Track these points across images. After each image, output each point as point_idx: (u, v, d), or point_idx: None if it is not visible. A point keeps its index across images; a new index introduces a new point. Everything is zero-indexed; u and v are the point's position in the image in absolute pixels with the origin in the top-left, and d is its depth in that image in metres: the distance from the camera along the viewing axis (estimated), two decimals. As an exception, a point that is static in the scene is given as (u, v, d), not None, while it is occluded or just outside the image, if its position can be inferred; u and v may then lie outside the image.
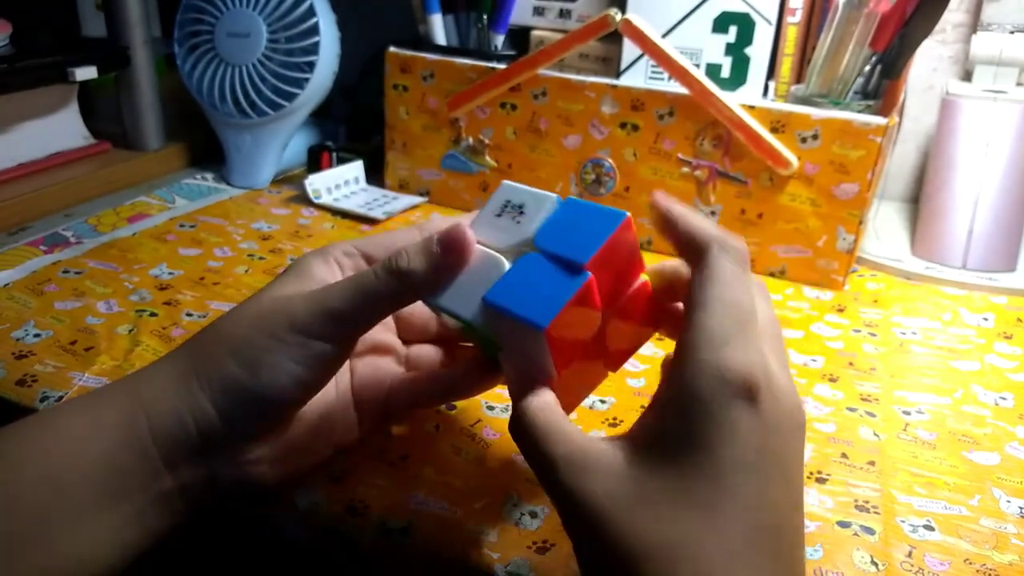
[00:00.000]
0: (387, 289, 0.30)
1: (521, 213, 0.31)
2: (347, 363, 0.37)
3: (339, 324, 0.30)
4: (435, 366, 0.38)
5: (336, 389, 0.36)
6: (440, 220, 0.35)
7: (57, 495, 0.28)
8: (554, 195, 0.31)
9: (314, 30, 0.69)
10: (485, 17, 0.70)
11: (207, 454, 0.31)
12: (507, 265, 0.30)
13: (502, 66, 0.63)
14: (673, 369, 0.26)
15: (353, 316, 0.30)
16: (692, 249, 0.28)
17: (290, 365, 0.30)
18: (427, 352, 0.39)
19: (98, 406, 0.31)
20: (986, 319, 0.56)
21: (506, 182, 0.33)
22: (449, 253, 0.30)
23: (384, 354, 0.38)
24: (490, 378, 0.35)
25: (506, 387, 0.32)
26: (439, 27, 0.71)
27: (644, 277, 0.32)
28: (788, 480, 0.25)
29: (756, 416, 0.24)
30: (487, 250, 0.31)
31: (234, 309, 0.32)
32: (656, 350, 0.48)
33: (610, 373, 0.33)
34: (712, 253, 0.27)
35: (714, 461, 0.24)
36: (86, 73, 0.68)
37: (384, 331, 0.38)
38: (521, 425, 0.28)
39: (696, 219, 0.29)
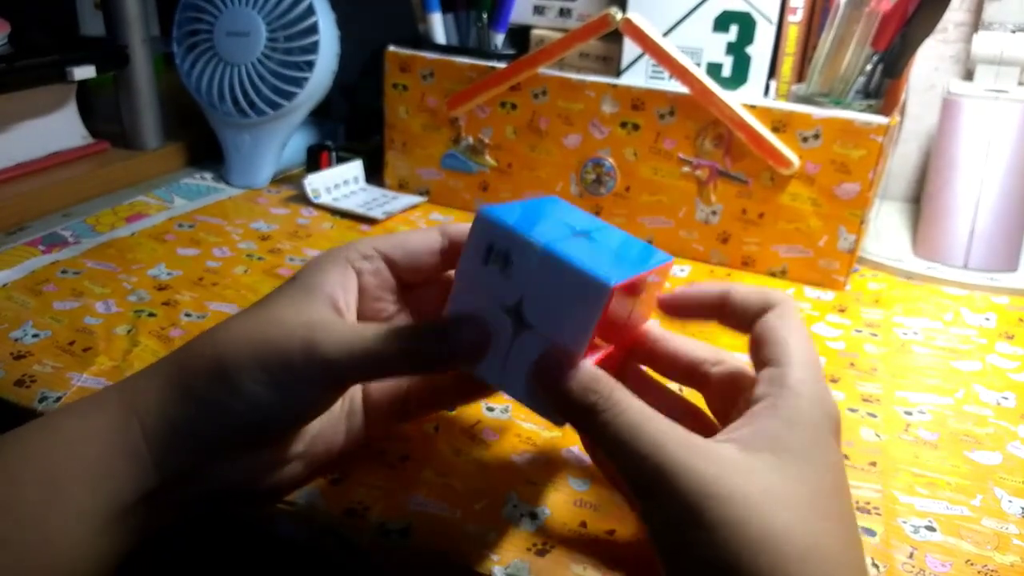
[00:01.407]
0: (398, 364, 0.29)
1: (507, 265, 0.28)
2: None
3: (337, 380, 0.30)
4: None
5: (342, 396, 0.35)
6: (459, 227, 0.33)
7: (56, 496, 0.28)
8: (539, 242, 0.28)
9: (313, 29, 0.68)
10: (485, 16, 0.70)
11: (199, 461, 0.30)
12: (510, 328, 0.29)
13: (502, 65, 0.63)
14: (772, 391, 0.28)
15: (354, 377, 0.30)
16: (756, 306, 0.31)
17: (280, 400, 0.29)
18: None
19: (94, 410, 0.30)
20: (988, 319, 0.55)
21: (483, 216, 0.29)
22: (468, 348, 0.29)
23: None
24: None
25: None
26: (439, 26, 0.71)
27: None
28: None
29: (842, 458, 0.28)
30: (489, 306, 0.29)
31: (235, 321, 0.31)
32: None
33: None
34: (785, 300, 0.31)
35: (827, 482, 0.26)
36: (84, 72, 0.67)
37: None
38: (614, 430, 0.26)
39: (746, 286, 0.32)
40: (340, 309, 0.32)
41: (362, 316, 0.33)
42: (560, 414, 0.28)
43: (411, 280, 0.34)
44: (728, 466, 0.25)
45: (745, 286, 0.32)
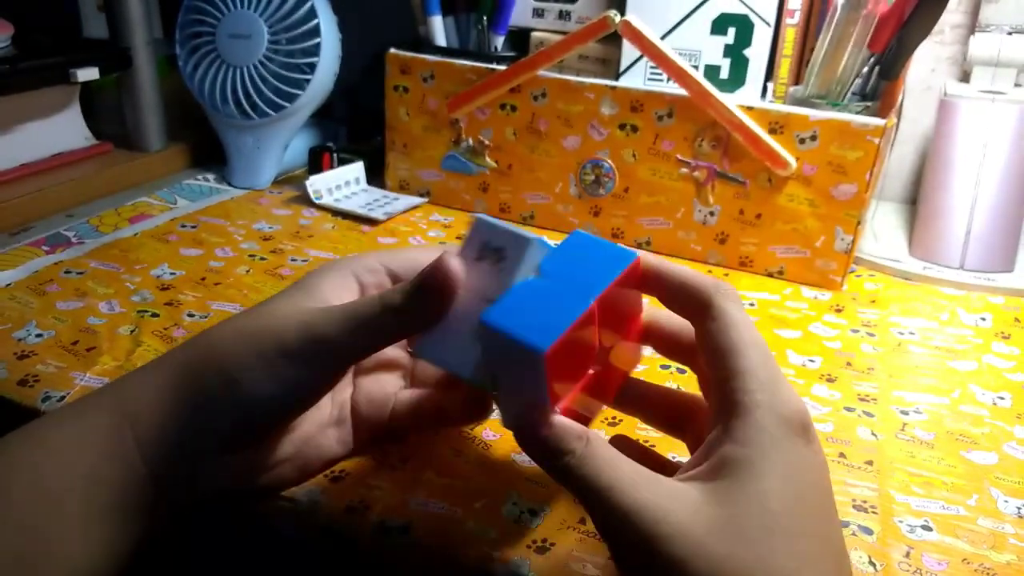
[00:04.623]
0: (382, 324, 0.29)
1: (501, 259, 0.30)
2: (349, 375, 0.36)
3: (328, 353, 0.30)
4: (442, 381, 0.37)
5: (332, 402, 0.35)
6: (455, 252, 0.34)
7: (51, 509, 0.28)
8: (533, 236, 0.30)
9: (315, 31, 0.69)
10: (485, 18, 0.70)
11: (190, 464, 0.30)
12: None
13: (502, 67, 0.63)
14: (726, 411, 0.27)
15: (343, 347, 0.30)
16: (692, 299, 0.30)
17: (273, 387, 0.29)
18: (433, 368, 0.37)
19: (84, 417, 0.30)
20: (984, 319, 0.56)
21: (481, 219, 0.31)
22: (433, 289, 0.29)
23: (391, 370, 0.37)
24: (482, 412, 0.35)
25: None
26: (439, 28, 0.71)
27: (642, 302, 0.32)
28: (835, 512, 0.27)
29: (815, 454, 0.27)
30: (473, 299, 0.29)
31: (231, 320, 0.32)
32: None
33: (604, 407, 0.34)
34: (717, 300, 0.29)
35: (787, 489, 0.26)
36: (88, 74, 0.68)
37: (394, 347, 0.37)
38: (580, 473, 0.27)
39: (687, 271, 0.30)
40: None
41: None
42: (537, 462, 0.29)
43: None
44: (676, 503, 0.25)
45: (681, 269, 0.30)
